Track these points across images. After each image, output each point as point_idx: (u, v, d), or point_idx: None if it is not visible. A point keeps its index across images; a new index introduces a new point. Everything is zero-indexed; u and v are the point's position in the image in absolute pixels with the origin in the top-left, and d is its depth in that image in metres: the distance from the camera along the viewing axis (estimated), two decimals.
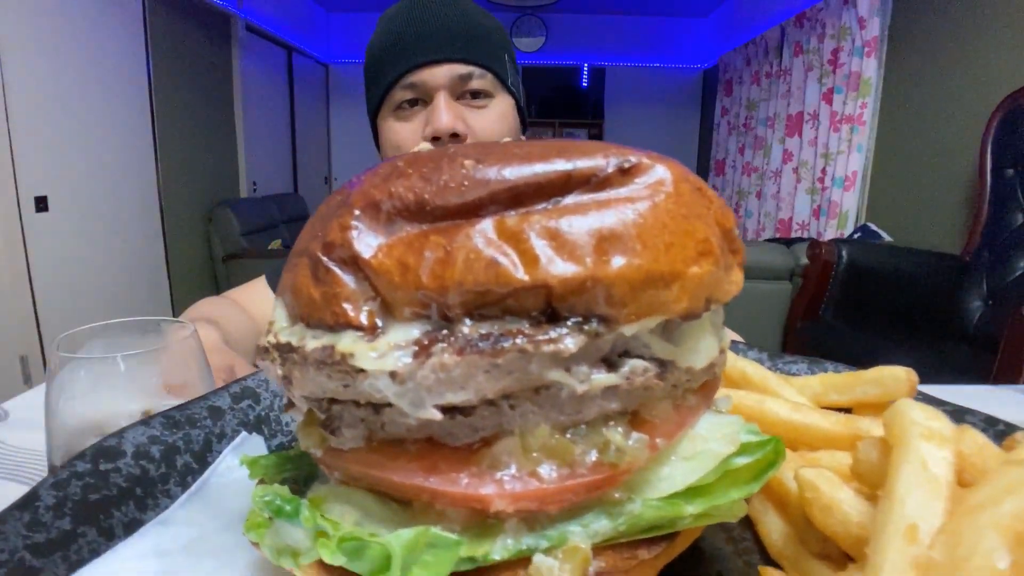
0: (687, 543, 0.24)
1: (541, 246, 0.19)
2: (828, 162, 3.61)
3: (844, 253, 2.30)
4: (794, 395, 0.33)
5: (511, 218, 0.19)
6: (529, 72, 5.61)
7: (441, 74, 0.76)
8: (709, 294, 0.21)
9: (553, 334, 0.19)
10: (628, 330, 0.19)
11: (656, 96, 6.46)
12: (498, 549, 0.20)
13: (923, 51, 2.98)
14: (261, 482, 0.24)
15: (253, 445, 0.31)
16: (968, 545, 0.16)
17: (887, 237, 2.98)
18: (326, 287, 0.20)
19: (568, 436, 0.20)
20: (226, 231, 4.10)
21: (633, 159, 0.21)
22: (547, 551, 0.20)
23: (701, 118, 6.46)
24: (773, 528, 0.28)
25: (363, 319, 0.19)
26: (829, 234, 3.48)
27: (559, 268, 0.18)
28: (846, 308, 2.31)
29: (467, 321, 0.19)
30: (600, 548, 0.21)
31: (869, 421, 0.30)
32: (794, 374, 0.43)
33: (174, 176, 3.75)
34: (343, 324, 0.20)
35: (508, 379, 0.19)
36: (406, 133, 0.79)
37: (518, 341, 0.18)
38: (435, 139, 0.76)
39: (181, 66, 3.83)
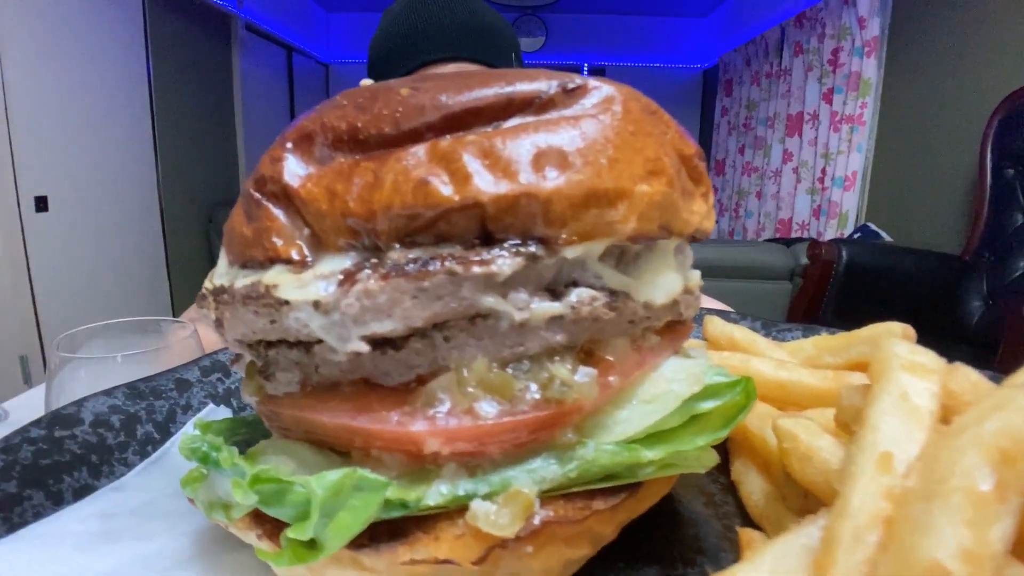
0: (654, 498, 0.21)
1: (474, 165, 0.17)
2: (828, 162, 3.61)
3: (844, 253, 2.30)
4: (784, 357, 0.30)
5: (446, 141, 0.17)
6: None
7: (450, 69, 0.77)
8: (664, 219, 0.19)
9: (486, 256, 0.17)
10: (570, 252, 0.18)
11: (656, 96, 6.25)
12: (432, 494, 0.18)
13: (923, 51, 2.98)
14: None
15: (220, 417, 0.29)
16: (946, 467, 0.13)
17: (887, 237, 2.98)
18: (257, 223, 0.19)
19: (509, 371, 0.18)
20: None
21: (579, 80, 0.20)
22: (487, 497, 0.18)
23: (701, 118, 6.46)
24: (755, 488, 0.26)
25: (293, 253, 0.18)
26: (829, 234, 3.48)
27: (491, 185, 0.17)
28: (846, 308, 2.31)
29: (396, 247, 0.17)
30: (551, 498, 0.19)
31: (861, 376, 0.26)
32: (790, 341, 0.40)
33: (174, 176, 3.75)
34: (273, 259, 0.19)
35: (437, 305, 0.17)
36: None
37: (447, 264, 0.17)
38: None
39: (181, 66, 3.82)
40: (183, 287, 3.85)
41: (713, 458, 0.21)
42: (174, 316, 0.59)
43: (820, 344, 0.32)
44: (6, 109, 2.50)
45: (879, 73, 3.27)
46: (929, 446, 0.16)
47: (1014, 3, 2.43)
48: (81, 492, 0.24)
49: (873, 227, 3.07)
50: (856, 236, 3.11)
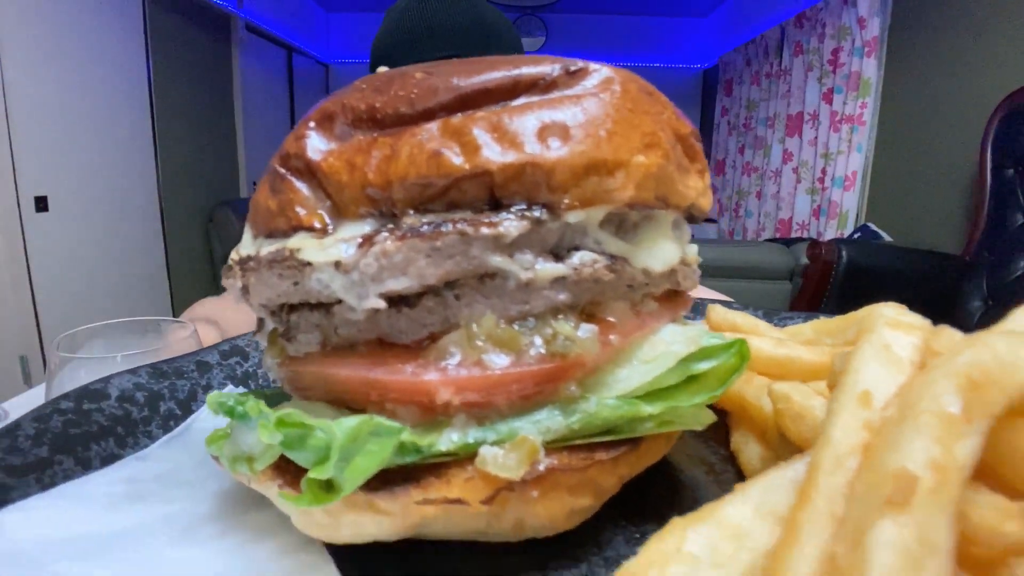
0: (654, 457, 0.22)
1: (484, 138, 0.18)
2: (828, 162, 3.61)
3: (844, 253, 2.29)
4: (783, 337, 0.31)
5: (457, 118, 0.19)
6: None
7: None
8: (660, 190, 0.20)
9: (494, 219, 0.18)
10: (573, 217, 0.19)
11: None
12: (444, 441, 0.19)
13: (923, 51, 2.98)
14: None
15: None
16: (918, 395, 0.14)
17: (887, 237, 2.98)
18: (282, 195, 0.20)
19: (516, 327, 0.19)
20: (226, 231, 4.10)
21: (580, 64, 0.21)
22: (495, 444, 0.19)
23: (701, 118, 6.46)
24: (753, 455, 0.27)
25: (315, 222, 0.20)
26: (829, 234, 3.48)
27: (499, 155, 0.18)
28: (846, 308, 2.29)
29: (411, 213, 0.18)
30: (555, 448, 0.20)
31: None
32: None
33: (174, 176, 3.75)
34: (296, 227, 0.20)
35: (449, 263, 0.18)
36: None
37: (458, 226, 0.18)
38: None
39: (181, 66, 3.82)
40: (183, 287, 3.85)
41: (709, 416, 0.22)
42: (174, 316, 0.59)
43: (818, 327, 0.32)
44: (6, 109, 2.50)
45: (879, 73, 3.27)
46: (906, 383, 0.17)
47: (1014, 3, 2.42)
48: (107, 460, 0.26)
49: (873, 227, 3.07)
50: (856, 236, 3.11)
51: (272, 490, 0.20)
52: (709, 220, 5.12)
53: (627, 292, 0.21)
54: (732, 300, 0.43)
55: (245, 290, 0.21)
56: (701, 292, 0.56)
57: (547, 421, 0.20)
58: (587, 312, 0.20)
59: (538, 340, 0.19)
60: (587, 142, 0.18)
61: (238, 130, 4.60)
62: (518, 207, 0.18)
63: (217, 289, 4.21)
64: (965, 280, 2.25)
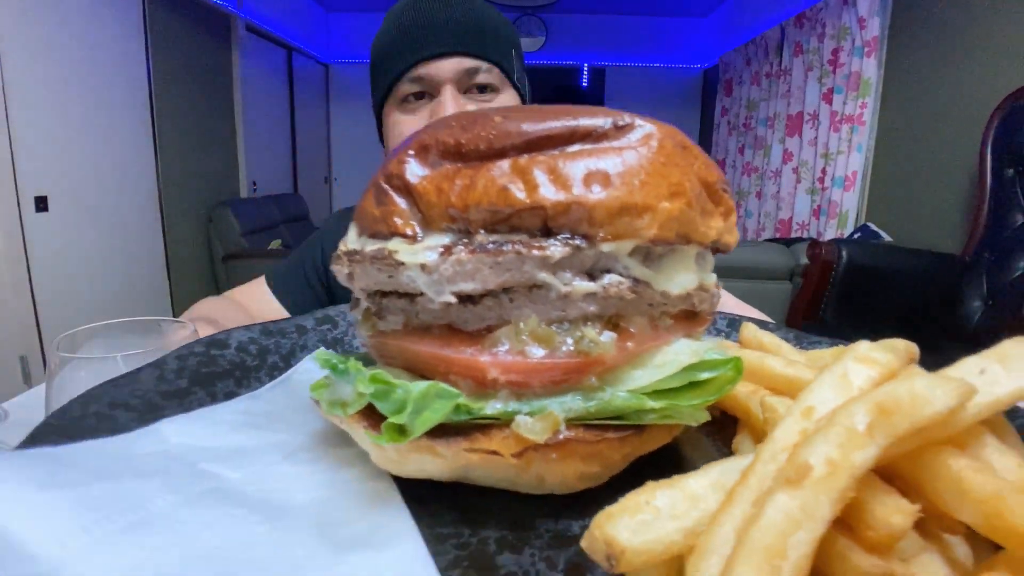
0: (656, 443, 0.27)
1: (542, 178, 0.23)
2: (828, 162, 3.61)
3: (844, 253, 2.29)
4: (800, 360, 0.32)
5: (523, 159, 0.24)
6: (529, 72, 5.58)
7: (448, 67, 0.75)
8: (682, 230, 0.24)
9: (544, 243, 0.23)
10: (606, 247, 0.23)
11: (656, 96, 6.46)
12: (490, 407, 0.24)
13: (923, 51, 2.98)
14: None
15: None
16: (840, 414, 0.18)
17: (887, 237, 2.98)
18: (384, 206, 0.26)
19: (553, 328, 0.25)
20: (226, 231, 4.10)
21: (628, 119, 0.26)
22: (528, 415, 0.24)
23: (701, 118, 6.46)
24: (747, 453, 0.27)
25: (408, 231, 0.25)
26: (829, 234, 3.48)
27: (552, 194, 0.23)
28: (846, 308, 2.31)
29: (482, 232, 0.24)
30: (574, 424, 0.24)
31: None
32: None
33: (174, 176, 3.75)
34: (393, 233, 0.25)
35: (507, 275, 0.23)
36: (411, 126, 0.79)
37: (516, 246, 0.23)
38: None
39: (181, 66, 3.82)
40: (183, 287, 3.85)
41: (704, 416, 0.26)
42: (174, 316, 0.59)
43: (837, 353, 0.35)
44: (6, 109, 2.50)
45: (879, 73, 3.27)
46: (840, 404, 0.21)
47: (1014, 3, 2.43)
48: (228, 395, 0.33)
49: (873, 227, 3.07)
50: (856, 236, 3.11)
51: (358, 430, 0.25)
52: None
53: (646, 309, 0.26)
54: (770, 321, 0.45)
55: (350, 276, 0.28)
56: (743, 310, 0.59)
57: (570, 403, 0.24)
58: (611, 322, 0.25)
59: (569, 340, 0.24)
60: (622, 189, 0.23)
61: (238, 130, 4.60)
62: (564, 236, 0.23)
63: (217, 289, 4.21)
64: (965, 280, 2.25)
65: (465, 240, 0.24)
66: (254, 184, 4.88)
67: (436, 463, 0.24)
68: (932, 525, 0.18)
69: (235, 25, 4.43)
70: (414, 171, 0.25)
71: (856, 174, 3.37)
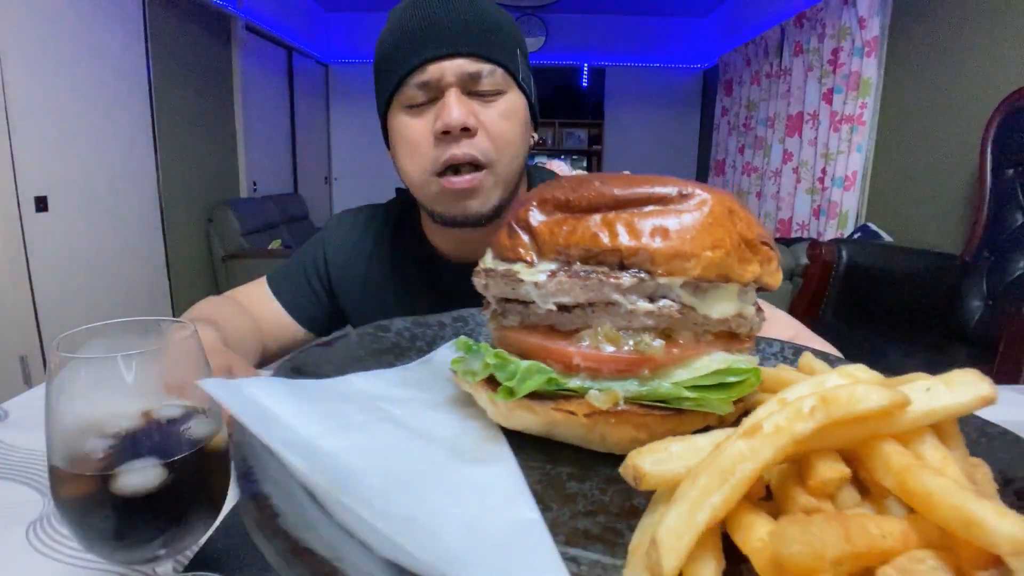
0: (693, 425, 0.33)
1: (621, 230, 0.32)
2: (828, 162, 3.61)
3: (844, 253, 2.29)
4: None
5: (611, 215, 0.33)
6: None
7: (451, 71, 0.74)
8: (721, 272, 0.32)
9: (619, 274, 0.32)
10: (662, 280, 0.32)
11: (656, 96, 6.46)
12: (572, 383, 0.33)
13: (923, 51, 2.98)
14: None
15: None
16: (796, 401, 0.24)
17: (887, 237, 2.98)
18: (512, 239, 0.35)
19: (620, 333, 0.33)
20: (226, 231, 4.10)
21: (689, 189, 0.33)
22: (598, 390, 0.32)
23: (701, 118, 6.46)
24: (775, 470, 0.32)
25: (527, 258, 0.34)
26: (829, 234, 3.48)
27: (627, 241, 0.32)
28: (846, 308, 2.31)
29: (578, 264, 0.33)
30: (630, 401, 0.32)
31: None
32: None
33: (174, 176, 3.75)
34: (517, 259, 0.35)
35: (591, 294, 0.32)
36: (417, 128, 0.77)
37: (599, 275, 0.32)
38: (445, 132, 0.73)
39: (181, 66, 3.82)
40: (183, 287, 3.85)
41: (728, 408, 0.32)
42: (174, 316, 0.59)
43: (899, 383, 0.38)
44: (6, 109, 2.50)
45: (879, 73, 3.27)
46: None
47: (1014, 3, 2.42)
48: (389, 365, 0.44)
49: (873, 227, 3.07)
50: (856, 236, 3.11)
51: (480, 393, 0.35)
52: None
53: (691, 327, 0.34)
54: (840, 356, 0.49)
55: (485, 287, 0.38)
56: (817, 343, 0.59)
57: (628, 386, 0.33)
58: (663, 333, 0.34)
59: (631, 342, 0.33)
60: (677, 240, 0.31)
61: (238, 130, 4.60)
62: (633, 271, 0.32)
63: (217, 289, 4.21)
64: (965, 280, 2.25)
65: (565, 268, 0.33)
66: (254, 184, 4.88)
67: (532, 419, 0.33)
68: (873, 491, 0.24)
69: (235, 25, 4.43)
70: (535, 216, 0.34)
71: (856, 174, 3.37)
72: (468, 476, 0.27)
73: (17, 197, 2.59)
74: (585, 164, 6.72)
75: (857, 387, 0.22)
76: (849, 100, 3.39)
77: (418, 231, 0.93)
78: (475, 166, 0.76)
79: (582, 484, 0.29)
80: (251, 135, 4.74)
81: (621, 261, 0.31)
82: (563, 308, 0.32)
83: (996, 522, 0.16)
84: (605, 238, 0.31)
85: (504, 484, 0.26)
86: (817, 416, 0.22)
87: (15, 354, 2.63)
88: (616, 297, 0.31)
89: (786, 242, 3.00)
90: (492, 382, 0.33)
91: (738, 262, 0.31)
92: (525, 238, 0.33)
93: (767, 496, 0.25)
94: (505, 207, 0.81)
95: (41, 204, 2.72)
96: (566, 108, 6.44)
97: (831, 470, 0.22)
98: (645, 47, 6.35)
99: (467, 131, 0.73)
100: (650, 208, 0.31)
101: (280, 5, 5.10)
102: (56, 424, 0.35)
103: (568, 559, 0.20)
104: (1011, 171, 2.24)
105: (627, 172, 0.37)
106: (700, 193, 0.32)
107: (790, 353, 0.42)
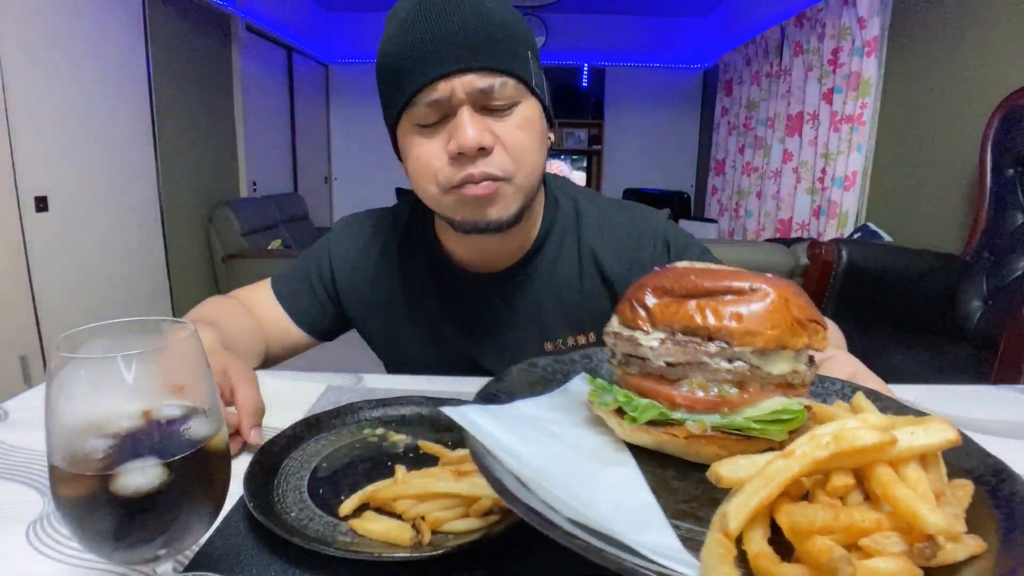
0: (758, 447, 0.41)
1: (710, 314, 0.41)
2: (828, 162, 3.61)
3: (844, 253, 2.29)
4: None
5: (703, 301, 0.42)
6: None
7: (462, 88, 0.69)
8: (780, 344, 0.41)
9: (707, 345, 0.41)
10: (737, 349, 0.41)
11: (656, 96, 6.46)
12: (676, 415, 0.42)
13: (923, 51, 2.98)
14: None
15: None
16: (820, 435, 0.31)
17: (887, 237, 2.98)
18: (634, 313, 0.44)
19: (708, 383, 0.42)
20: (226, 231, 4.10)
21: (758, 285, 0.42)
22: (692, 421, 0.41)
23: (701, 118, 6.46)
24: None
25: (645, 328, 0.43)
26: (829, 234, 3.47)
27: (713, 322, 0.41)
28: (846, 308, 2.31)
29: (680, 335, 0.42)
30: (715, 429, 0.41)
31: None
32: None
33: (174, 176, 3.75)
34: (637, 328, 0.44)
35: (689, 356, 0.41)
36: (431, 149, 0.73)
37: (694, 344, 0.41)
38: (460, 154, 0.70)
39: (181, 66, 3.83)
40: (183, 287, 3.86)
41: (783, 436, 0.41)
42: (174, 316, 0.59)
43: (891, 420, 0.46)
44: (6, 109, 2.50)
45: (879, 73, 3.27)
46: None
47: (1014, 3, 2.43)
48: (539, 393, 0.52)
49: (873, 227, 3.07)
50: (856, 236, 3.11)
51: (612, 418, 0.44)
52: (709, 220, 5.12)
53: (758, 380, 0.42)
54: (887, 395, 0.53)
55: (614, 345, 0.47)
56: (872, 381, 0.61)
57: (713, 419, 0.42)
58: (738, 384, 0.42)
59: (715, 389, 0.42)
60: (747, 323, 0.40)
61: (238, 130, 4.60)
62: (718, 342, 0.41)
63: (217, 289, 4.20)
64: (965, 280, 2.25)
65: (671, 337, 0.42)
66: (254, 184, 4.88)
67: (648, 438, 0.42)
68: (871, 496, 0.31)
69: (235, 25, 4.43)
70: (649, 299, 0.44)
71: (856, 174, 3.37)
72: (607, 473, 0.39)
73: (17, 197, 2.59)
74: (585, 164, 6.72)
75: (860, 429, 0.30)
76: (849, 100, 3.39)
77: (430, 237, 0.90)
78: (493, 178, 0.73)
79: (681, 482, 0.40)
80: (251, 135, 4.74)
81: (709, 335, 0.40)
82: (669, 364, 0.41)
83: (929, 515, 0.26)
84: (698, 319, 0.40)
85: (630, 479, 0.39)
86: (831, 447, 0.30)
87: (15, 354, 2.63)
88: (705, 359, 0.40)
89: (786, 242, 2.99)
90: (619, 411, 0.43)
91: (791, 336, 0.39)
92: (643, 313, 0.42)
93: (806, 496, 0.33)
94: (525, 213, 0.79)
95: (41, 204, 2.72)
96: (566, 108, 6.44)
97: (841, 481, 0.31)
98: (645, 47, 6.35)
99: (483, 150, 0.70)
100: (729, 297, 0.40)
101: (280, 5, 5.10)
102: (56, 424, 0.35)
103: (673, 526, 0.33)
104: (1011, 171, 2.24)
105: (712, 266, 0.46)
106: (765, 288, 0.41)
107: (848, 391, 0.50)
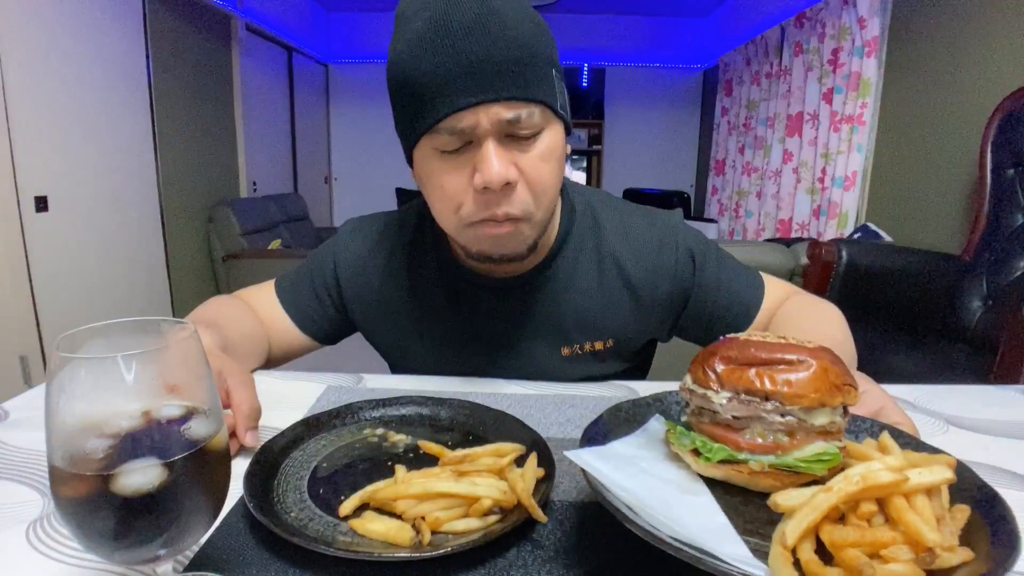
0: (801, 481, 0.47)
1: (766, 380, 0.47)
2: (828, 162, 3.61)
3: (844, 253, 2.29)
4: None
5: (761, 369, 0.48)
6: None
7: (488, 120, 0.66)
8: (820, 403, 0.47)
9: (764, 404, 0.48)
10: (788, 407, 0.47)
11: (656, 96, 6.47)
12: (741, 456, 0.48)
13: (923, 51, 2.98)
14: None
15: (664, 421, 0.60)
16: (849, 475, 0.40)
17: (887, 237, 2.98)
18: (706, 375, 0.50)
19: (765, 432, 0.49)
20: (226, 231, 4.10)
21: (804, 358, 0.48)
22: (753, 460, 0.48)
23: (701, 118, 6.46)
24: None
25: (714, 388, 0.49)
26: (829, 234, 3.48)
27: (769, 387, 0.47)
28: (846, 308, 2.29)
29: (744, 395, 0.48)
30: (771, 466, 0.47)
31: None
32: None
33: (174, 176, 3.75)
34: (708, 388, 0.50)
35: (751, 412, 0.48)
36: (452, 179, 0.70)
37: (755, 403, 0.48)
38: (485, 188, 0.68)
39: (181, 66, 3.83)
40: (183, 287, 3.86)
41: (824, 471, 0.47)
42: (174, 316, 0.59)
43: (908, 457, 0.48)
44: (6, 109, 2.50)
45: (879, 73, 3.27)
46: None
47: (1014, 3, 2.43)
48: (625, 434, 0.57)
49: (873, 227, 3.07)
50: (856, 236, 3.11)
51: (688, 455, 0.50)
52: (709, 220, 5.12)
53: (804, 430, 0.48)
54: (910, 435, 0.57)
55: (689, 399, 0.52)
56: (895, 416, 0.63)
57: (769, 459, 0.48)
58: (788, 433, 0.48)
59: (771, 436, 0.48)
60: (796, 388, 0.47)
61: (238, 130, 4.60)
62: (773, 402, 0.47)
63: (217, 289, 4.20)
64: (965, 280, 2.25)
65: (736, 396, 0.48)
66: (254, 184, 4.88)
67: (719, 472, 0.49)
68: (890, 519, 0.39)
69: (235, 25, 4.43)
70: (719, 366, 0.50)
71: (856, 174, 3.37)
72: (689, 500, 0.46)
73: (17, 197, 2.59)
74: (585, 164, 6.72)
75: (881, 471, 0.39)
76: (849, 100, 3.39)
77: (440, 243, 0.88)
78: (514, 219, 0.71)
79: (746, 507, 0.46)
80: (251, 135, 4.74)
81: (766, 396, 0.47)
82: (735, 417, 0.49)
83: (928, 533, 0.36)
84: (758, 383, 0.47)
85: (708, 505, 0.46)
86: (859, 484, 0.38)
87: (15, 354, 2.64)
88: (763, 415, 0.47)
89: (786, 242, 2.99)
90: (695, 451, 0.50)
91: (829, 397, 0.47)
92: (712, 376, 0.49)
93: (842, 518, 0.40)
94: (540, 239, 0.78)
95: (41, 204, 2.73)
96: None
97: (867, 508, 0.39)
98: (645, 47, 6.35)
99: (508, 185, 0.68)
100: (782, 367, 0.48)
101: (280, 5, 5.11)
102: (56, 424, 0.35)
103: (744, 541, 0.40)
104: (1011, 171, 2.24)
105: (768, 338, 0.52)
106: (810, 360, 0.48)
107: (876, 429, 0.57)
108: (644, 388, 0.85)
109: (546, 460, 0.56)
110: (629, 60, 6.37)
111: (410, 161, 0.77)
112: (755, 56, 4.69)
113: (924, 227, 2.93)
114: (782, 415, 0.48)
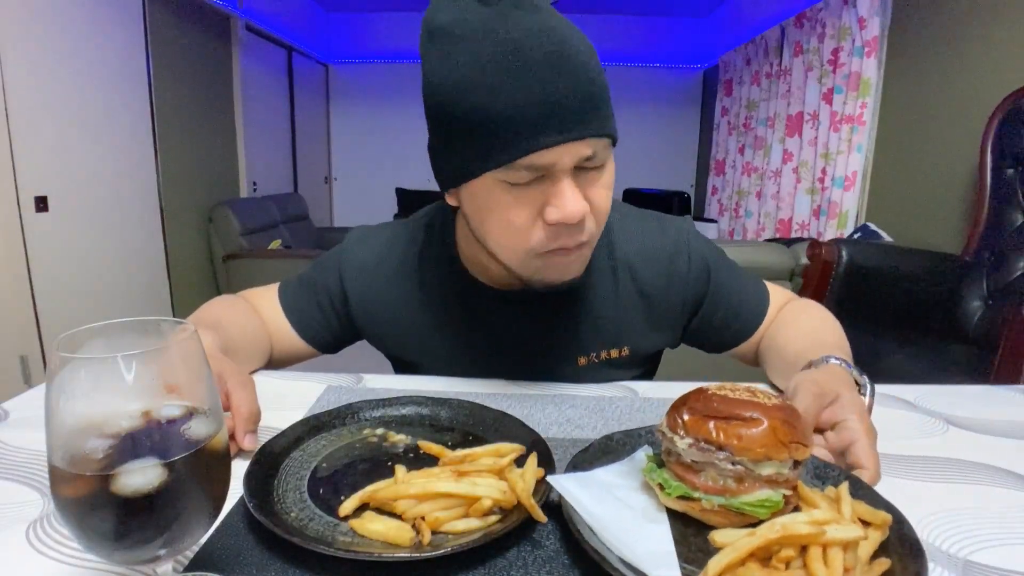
0: (751, 519, 0.51)
1: (721, 432, 0.51)
2: (828, 162, 3.61)
3: (844, 253, 2.29)
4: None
5: (719, 422, 0.52)
6: None
7: (569, 158, 0.64)
8: (767, 456, 0.50)
9: (718, 453, 0.51)
10: (737, 457, 0.51)
11: (656, 96, 6.46)
12: (696, 494, 0.52)
13: (923, 51, 2.98)
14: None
15: (650, 453, 0.62)
16: (783, 524, 0.44)
17: (887, 237, 2.98)
18: (675, 422, 0.54)
19: (718, 476, 0.52)
20: (226, 231, 4.10)
21: (756, 415, 0.52)
22: (706, 499, 0.51)
23: (701, 118, 6.46)
24: None
25: (680, 434, 0.53)
26: (829, 234, 3.48)
27: (723, 439, 0.50)
28: (846, 308, 2.30)
29: (703, 443, 0.51)
30: (720, 507, 0.51)
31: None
32: None
33: (174, 176, 3.75)
34: (676, 432, 0.53)
35: (706, 457, 0.51)
36: (522, 212, 0.68)
37: (710, 451, 0.51)
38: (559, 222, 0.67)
39: (181, 66, 3.83)
40: (183, 287, 3.86)
41: (767, 515, 0.50)
42: (174, 316, 0.59)
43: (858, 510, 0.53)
44: (6, 109, 2.50)
45: (879, 73, 3.27)
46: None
47: (1014, 3, 2.43)
48: (613, 461, 0.60)
49: (873, 227, 3.07)
50: (856, 236, 3.11)
51: (657, 489, 0.54)
52: (709, 220, 5.12)
53: (752, 478, 0.52)
54: (869, 487, 0.57)
55: (662, 439, 0.55)
56: (863, 456, 0.61)
57: (719, 500, 0.51)
58: (737, 479, 0.52)
59: (722, 481, 0.51)
60: (746, 441, 0.50)
61: (238, 130, 4.60)
62: (726, 452, 0.51)
63: (217, 289, 4.20)
64: (965, 280, 2.25)
65: (696, 443, 0.52)
66: (254, 184, 4.88)
67: (677, 505, 0.53)
68: (807, 566, 0.43)
69: (235, 25, 4.43)
70: (685, 415, 0.53)
71: (856, 174, 3.37)
72: (647, 527, 0.50)
73: (17, 197, 2.59)
74: None
75: (801, 524, 0.44)
76: (849, 100, 3.39)
77: (451, 254, 0.86)
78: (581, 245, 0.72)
79: (696, 539, 0.51)
80: (251, 135, 4.75)
81: (720, 446, 0.51)
82: (694, 461, 0.52)
83: None
84: (714, 435, 0.51)
85: (661, 533, 0.50)
86: (780, 532, 0.43)
87: (15, 354, 2.64)
88: (716, 462, 0.51)
89: (786, 242, 2.99)
90: (660, 485, 0.54)
91: (775, 452, 0.51)
92: (680, 423, 0.53)
93: (769, 558, 0.44)
94: None
95: (41, 204, 2.73)
96: None
97: (785, 553, 0.43)
98: (645, 47, 6.35)
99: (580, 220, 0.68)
100: (735, 422, 0.52)
101: (280, 5, 5.11)
102: (56, 424, 0.35)
103: (682, 567, 0.45)
104: (1011, 171, 2.25)
105: (731, 394, 0.55)
106: (761, 418, 0.53)
107: (843, 478, 0.59)
108: (644, 388, 0.85)
109: (546, 460, 0.56)
110: (629, 60, 6.37)
111: (452, 185, 0.73)
112: (755, 56, 4.69)
113: (924, 227, 2.93)
114: (732, 463, 0.52)
